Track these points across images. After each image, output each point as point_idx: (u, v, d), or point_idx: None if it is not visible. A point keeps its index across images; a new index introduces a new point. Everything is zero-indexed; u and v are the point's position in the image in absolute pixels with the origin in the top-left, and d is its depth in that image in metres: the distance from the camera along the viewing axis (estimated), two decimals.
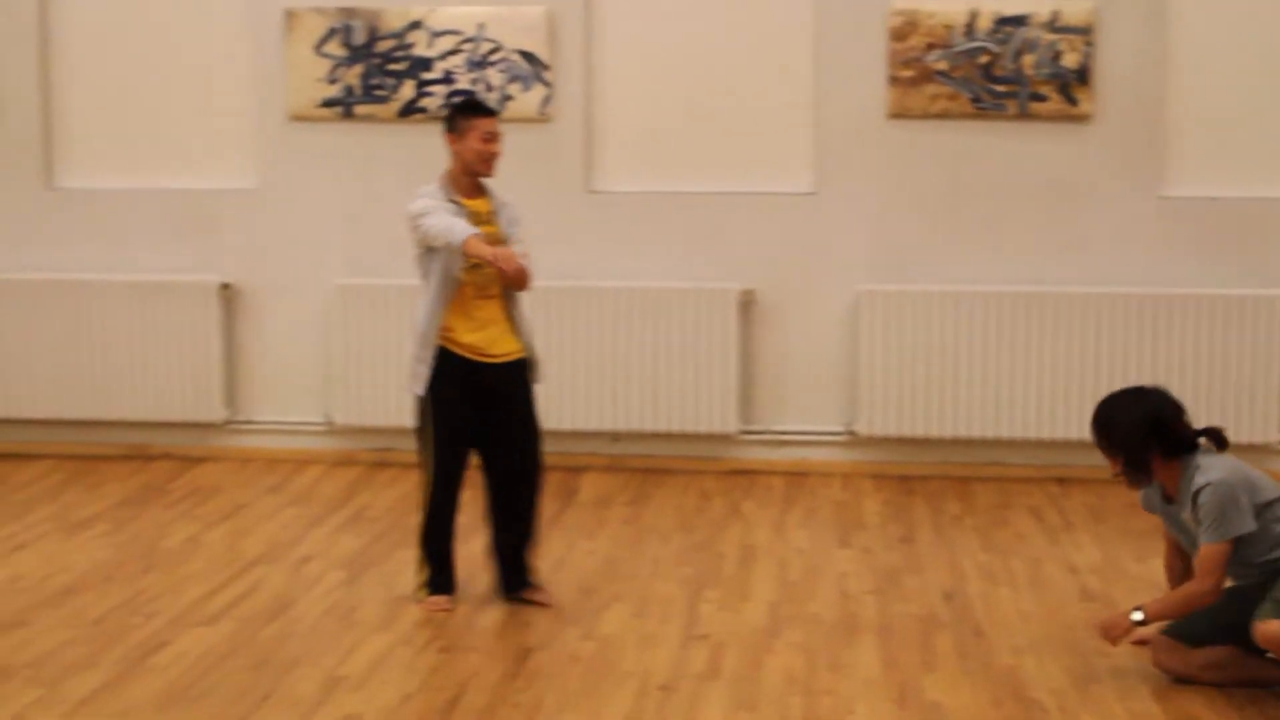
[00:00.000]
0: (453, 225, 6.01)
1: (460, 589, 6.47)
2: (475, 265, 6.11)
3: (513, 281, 6.10)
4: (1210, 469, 5.38)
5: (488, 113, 6.26)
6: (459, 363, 6.21)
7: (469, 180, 6.26)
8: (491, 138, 6.20)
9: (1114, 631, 5.45)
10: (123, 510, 7.79)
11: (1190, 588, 5.41)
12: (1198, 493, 5.35)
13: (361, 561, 6.91)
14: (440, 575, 6.37)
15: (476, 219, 6.17)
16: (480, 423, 6.29)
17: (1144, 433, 5.44)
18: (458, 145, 6.23)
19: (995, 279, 8.41)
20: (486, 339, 6.25)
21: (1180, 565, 5.73)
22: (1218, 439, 5.52)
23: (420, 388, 6.26)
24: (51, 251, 8.96)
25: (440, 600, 6.31)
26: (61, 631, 5.96)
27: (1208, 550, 5.34)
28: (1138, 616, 5.41)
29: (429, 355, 6.22)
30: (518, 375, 6.33)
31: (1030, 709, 5.21)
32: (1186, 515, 5.45)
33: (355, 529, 7.44)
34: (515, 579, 6.39)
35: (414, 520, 7.56)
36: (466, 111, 6.27)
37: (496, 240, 6.15)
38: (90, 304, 8.83)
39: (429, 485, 6.32)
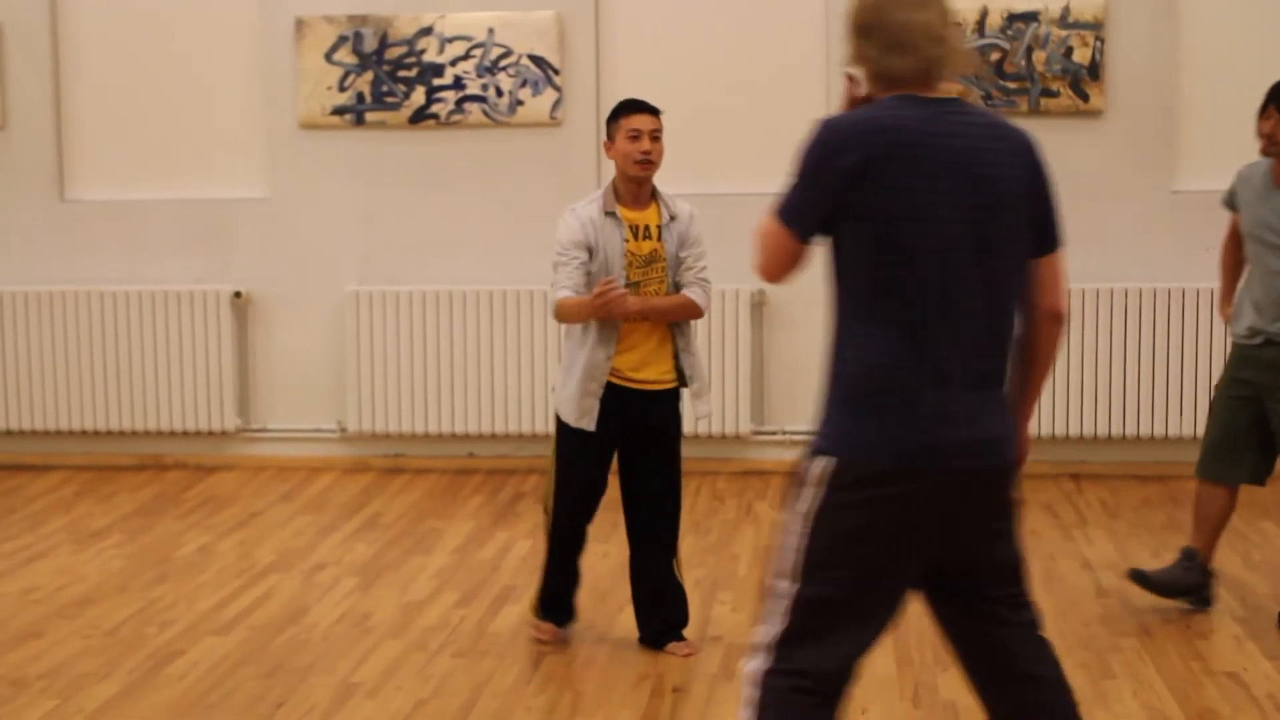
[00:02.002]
0: (557, 286, 5.60)
1: (479, 594, 6.46)
2: (630, 284, 5.63)
3: (616, 316, 5.56)
4: None
5: (636, 108, 5.75)
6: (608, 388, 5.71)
7: (630, 187, 5.72)
8: (638, 135, 5.66)
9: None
10: (136, 520, 7.80)
11: None
12: None
13: (374, 568, 6.91)
14: (548, 601, 5.98)
15: (633, 233, 5.69)
16: (621, 449, 5.85)
17: None
18: (611, 150, 5.74)
19: None
20: (631, 362, 5.73)
21: (1235, 261, 6.23)
22: None
23: (588, 422, 5.70)
24: (64, 263, 8.98)
25: (544, 626, 5.94)
26: (76, 642, 5.97)
27: None
28: None
29: (596, 388, 5.67)
30: (666, 404, 5.84)
31: None
32: None
33: (368, 536, 7.43)
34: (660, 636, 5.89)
35: (427, 525, 7.59)
36: (616, 111, 5.78)
37: (654, 258, 5.69)
38: (103, 315, 8.85)
39: (552, 511, 5.92)
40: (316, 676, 5.56)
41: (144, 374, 8.86)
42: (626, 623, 6.09)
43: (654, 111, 5.75)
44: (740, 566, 6.86)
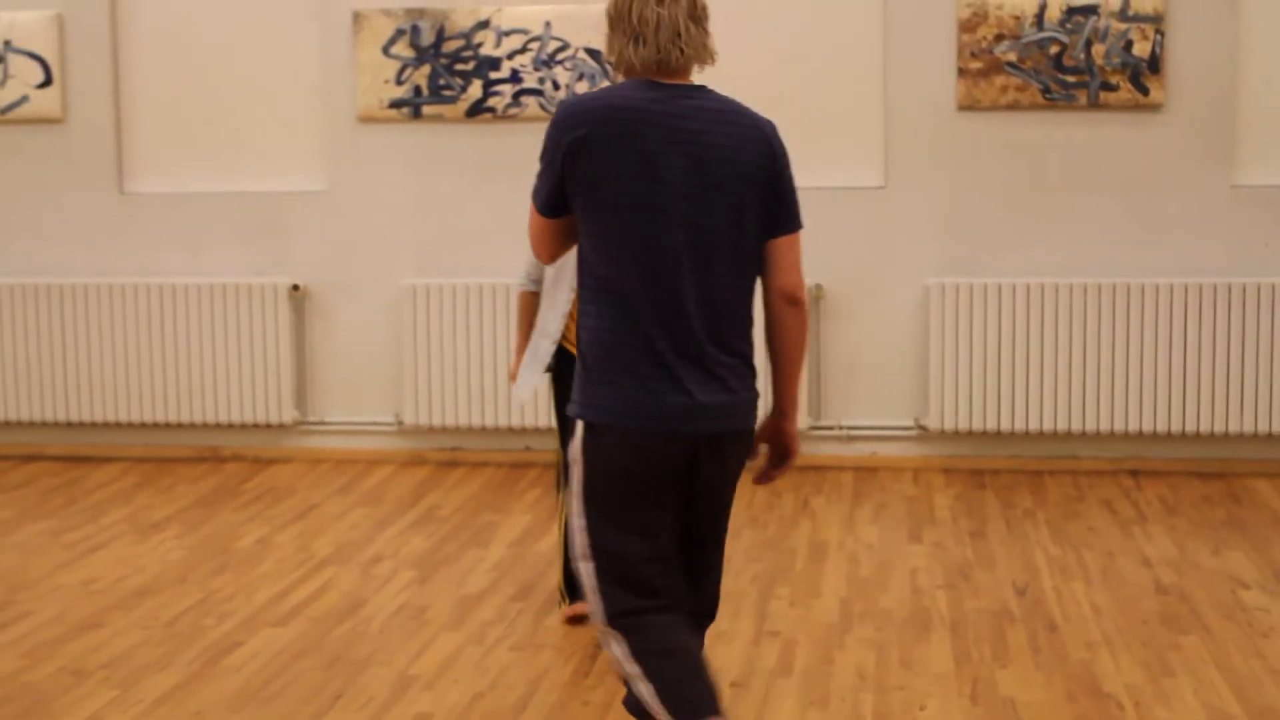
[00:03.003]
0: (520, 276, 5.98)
1: (532, 587, 6.47)
2: None
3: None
4: None
5: None
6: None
7: None
8: None
9: None
10: (195, 512, 7.84)
11: None
12: None
13: (432, 561, 6.92)
14: (571, 581, 6.06)
15: None
16: None
17: None
18: None
19: (1066, 271, 8.35)
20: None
21: None
22: None
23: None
24: (123, 256, 9.03)
25: (577, 605, 6.01)
26: (135, 633, 6.01)
27: None
28: None
29: (549, 344, 5.95)
30: None
31: (1105, 704, 5.16)
32: None
33: (425, 529, 7.45)
34: None
35: (484, 519, 7.61)
36: None
37: None
38: (162, 307, 8.89)
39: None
40: (374, 668, 5.58)
41: (202, 366, 8.91)
42: None
43: None
44: (797, 561, 6.85)
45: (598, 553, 4.05)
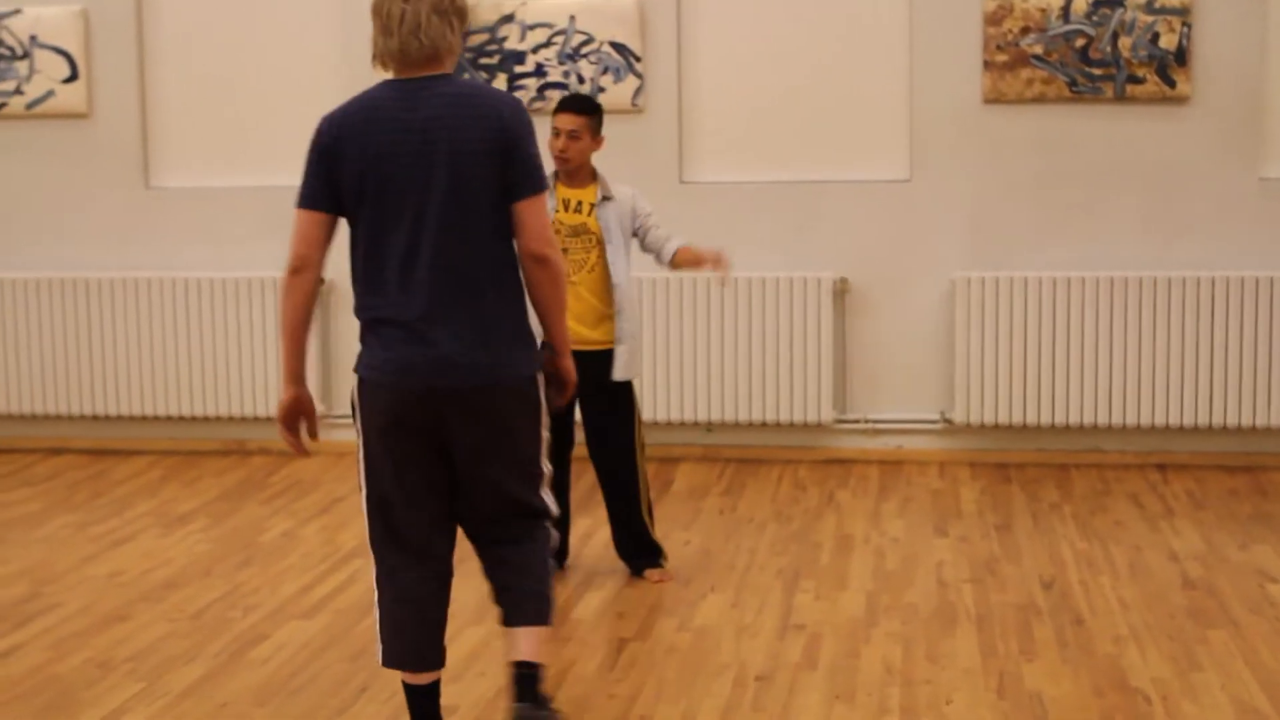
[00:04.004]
0: None
1: (560, 580, 6.46)
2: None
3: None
4: None
5: (560, 107, 6.41)
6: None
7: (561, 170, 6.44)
8: (557, 133, 6.35)
9: None
10: (221, 505, 7.86)
11: None
12: None
13: (456, 554, 6.90)
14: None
15: (564, 205, 6.40)
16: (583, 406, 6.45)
17: None
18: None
19: (1092, 264, 8.33)
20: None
21: None
22: None
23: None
24: (149, 250, 9.05)
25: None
26: (162, 625, 6.02)
27: None
28: None
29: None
30: (603, 366, 6.40)
31: (1133, 698, 5.14)
32: None
33: None
34: (633, 562, 6.57)
35: None
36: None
37: (581, 230, 6.39)
38: (187, 301, 8.91)
39: None
40: None
41: (228, 360, 8.92)
42: (709, 610, 6.09)
43: (576, 110, 6.36)
44: (823, 555, 6.84)
45: (373, 509, 4.64)
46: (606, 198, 6.39)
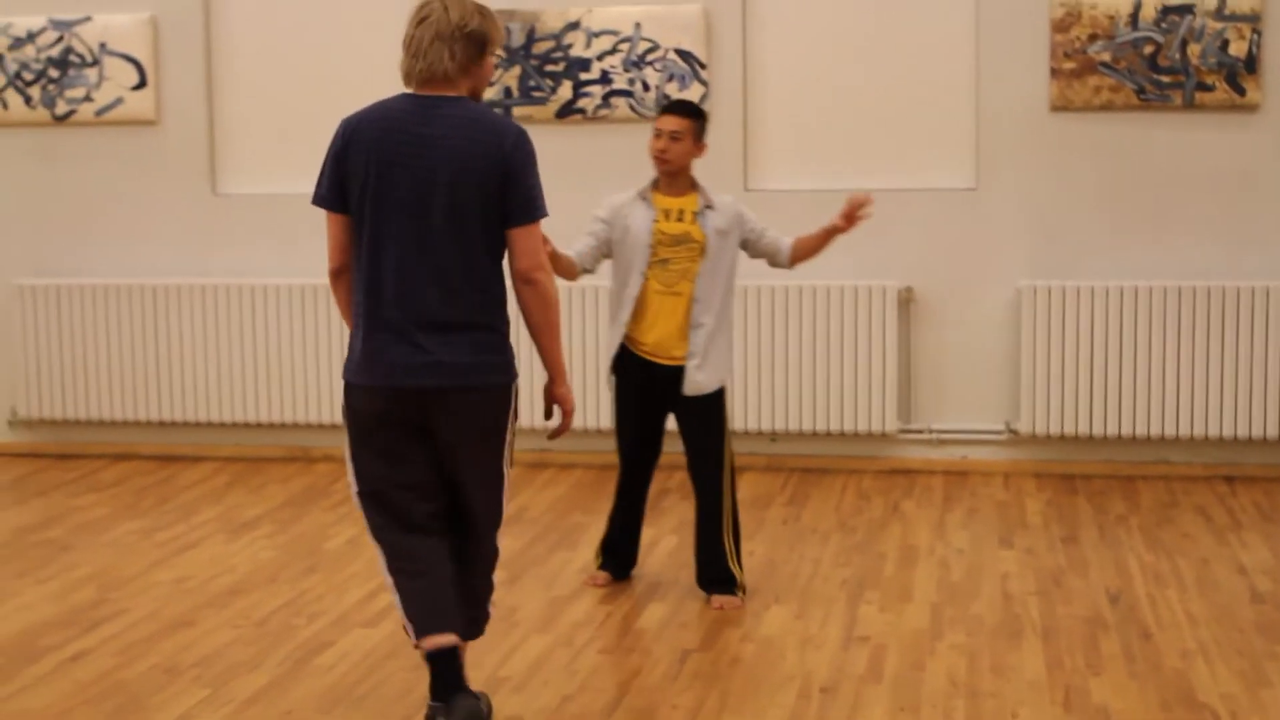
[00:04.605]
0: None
1: (625, 589, 6.49)
2: (660, 260, 6.28)
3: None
4: None
5: (663, 109, 6.43)
6: (636, 360, 6.39)
7: (663, 177, 6.38)
8: (659, 134, 6.30)
9: None
10: (286, 511, 7.89)
11: None
12: None
13: (521, 562, 6.93)
14: (604, 553, 6.66)
15: (665, 215, 6.33)
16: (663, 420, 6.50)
17: None
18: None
19: (1160, 273, 8.26)
20: (648, 338, 6.32)
21: None
22: None
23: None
24: (216, 256, 9.10)
25: (597, 575, 6.62)
26: (227, 632, 6.05)
27: None
28: None
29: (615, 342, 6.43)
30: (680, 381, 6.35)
31: (1201, 713, 5.10)
32: None
33: (514, 530, 7.45)
34: (705, 584, 6.43)
35: (573, 520, 7.62)
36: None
37: (684, 239, 6.31)
38: (254, 308, 8.96)
39: (619, 468, 6.59)
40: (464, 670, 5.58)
41: (294, 366, 8.97)
42: (773, 621, 6.07)
43: (679, 113, 6.33)
44: (887, 566, 6.81)
45: (364, 501, 4.90)
46: (709, 206, 6.32)
